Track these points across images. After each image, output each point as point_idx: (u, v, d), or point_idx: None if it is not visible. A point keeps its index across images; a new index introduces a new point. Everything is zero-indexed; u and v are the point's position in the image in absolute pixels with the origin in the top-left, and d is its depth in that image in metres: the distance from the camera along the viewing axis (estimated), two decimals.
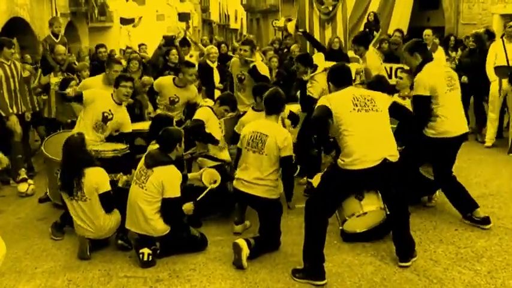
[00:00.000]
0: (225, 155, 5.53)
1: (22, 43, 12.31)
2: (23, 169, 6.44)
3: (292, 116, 5.95)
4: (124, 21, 21.76)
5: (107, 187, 4.44)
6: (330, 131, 4.01)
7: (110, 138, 5.53)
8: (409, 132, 4.86)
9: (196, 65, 7.00)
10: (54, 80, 7.01)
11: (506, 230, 4.72)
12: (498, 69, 7.51)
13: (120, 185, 4.68)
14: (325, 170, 4.41)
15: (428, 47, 7.38)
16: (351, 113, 3.82)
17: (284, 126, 5.52)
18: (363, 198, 4.19)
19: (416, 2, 12.03)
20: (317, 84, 5.83)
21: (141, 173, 4.35)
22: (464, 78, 7.72)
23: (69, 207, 4.54)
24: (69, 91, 5.38)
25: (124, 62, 7.17)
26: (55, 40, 8.01)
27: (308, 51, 9.24)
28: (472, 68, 7.90)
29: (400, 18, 11.39)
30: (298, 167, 6.18)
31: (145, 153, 4.53)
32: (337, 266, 4.16)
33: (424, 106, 4.65)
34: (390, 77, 7.45)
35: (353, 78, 5.39)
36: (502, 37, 7.80)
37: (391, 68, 7.65)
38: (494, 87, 7.59)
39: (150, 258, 4.23)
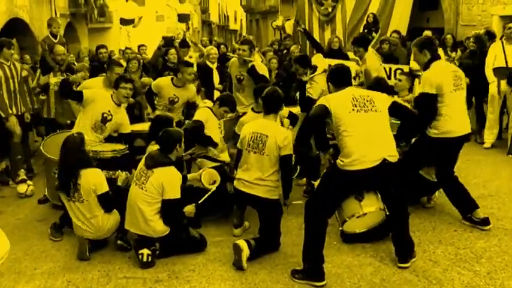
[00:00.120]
0: (224, 156, 5.54)
1: (21, 44, 12.31)
2: (22, 170, 6.42)
3: (292, 116, 5.96)
4: (124, 22, 21.78)
5: (105, 188, 4.44)
6: (327, 131, 4.02)
7: (109, 139, 5.53)
8: (410, 132, 4.84)
9: (195, 66, 7.01)
10: (54, 80, 6.99)
11: (506, 231, 4.72)
12: (497, 71, 7.52)
13: (119, 183, 4.67)
14: (325, 171, 4.41)
15: None
16: (350, 114, 3.82)
17: (283, 126, 5.52)
18: (362, 199, 4.19)
19: (415, 3, 12.03)
20: (316, 85, 5.85)
21: (141, 174, 4.35)
22: (466, 80, 7.72)
23: (67, 208, 4.53)
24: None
25: (123, 63, 7.17)
26: (54, 40, 8.00)
27: (308, 52, 9.26)
28: (473, 69, 7.90)
29: (399, 19, 11.39)
30: (298, 168, 6.18)
31: (146, 154, 4.53)
32: (336, 266, 4.16)
33: (430, 104, 4.59)
34: (389, 77, 7.45)
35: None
36: (501, 38, 7.81)
37: (390, 69, 7.66)
38: (493, 89, 7.60)
39: (150, 259, 4.23)
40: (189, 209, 4.45)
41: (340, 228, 4.44)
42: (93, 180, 4.39)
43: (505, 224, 4.87)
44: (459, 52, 9.18)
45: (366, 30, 10.63)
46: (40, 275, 4.20)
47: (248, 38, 7.63)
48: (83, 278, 4.13)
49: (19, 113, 6.53)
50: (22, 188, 6.22)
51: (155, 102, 6.57)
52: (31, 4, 12.66)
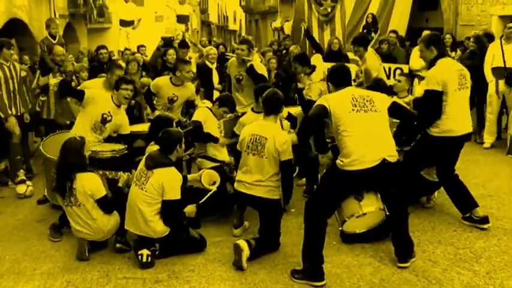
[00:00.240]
0: (224, 156, 5.53)
1: (20, 44, 12.28)
2: (22, 170, 6.42)
3: (290, 118, 5.95)
4: (124, 24, 21.78)
5: (102, 192, 4.42)
6: (327, 134, 4.02)
7: (108, 139, 5.52)
8: (411, 132, 4.83)
9: (195, 66, 7.01)
10: (53, 81, 6.99)
11: (505, 231, 4.73)
12: (495, 70, 7.52)
13: (120, 184, 4.67)
14: (325, 171, 4.41)
15: None
16: (349, 114, 3.82)
17: (282, 127, 5.52)
18: (362, 199, 4.19)
19: (415, 3, 12.04)
20: (314, 86, 5.85)
21: (141, 174, 4.35)
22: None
23: (66, 212, 4.53)
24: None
25: (123, 64, 7.16)
26: (52, 41, 7.99)
27: (307, 52, 9.27)
28: (473, 69, 7.89)
29: (399, 19, 11.41)
30: (297, 168, 6.18)
31: (146, 155, 4.52)
32: (336, 266, 4.16)
33: (436, 101, 4.55)
34: (388, 77, 7.47)
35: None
36: (500, 38, 7.81)
37: (389, 68, 7.67)
38: (491, 89, 7.60)
39: (149, 259, 4.23)
40: (190, 209, 4.45)
41: (340, 228, 4.44)
42: (89, 185, 4.37)
43: (504, 224, 4.88)
44: (459, 52, 9.17)
45: (365, 31, 10.65)
46: (39, 276, 4.19)
47: (247, 37, 7.63)
48: (82, 278, 4.12)
49: (18, 114, 6.53)
50: (21, 189, 6.21)
51: (154, 102, 6.56)
52: (30, 4, 12.64)
